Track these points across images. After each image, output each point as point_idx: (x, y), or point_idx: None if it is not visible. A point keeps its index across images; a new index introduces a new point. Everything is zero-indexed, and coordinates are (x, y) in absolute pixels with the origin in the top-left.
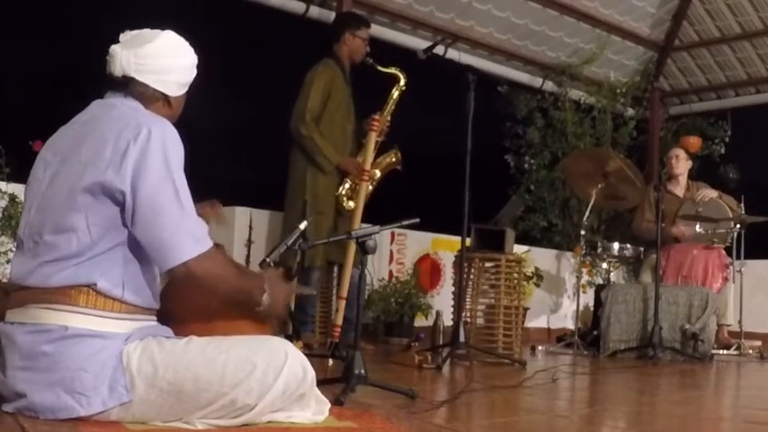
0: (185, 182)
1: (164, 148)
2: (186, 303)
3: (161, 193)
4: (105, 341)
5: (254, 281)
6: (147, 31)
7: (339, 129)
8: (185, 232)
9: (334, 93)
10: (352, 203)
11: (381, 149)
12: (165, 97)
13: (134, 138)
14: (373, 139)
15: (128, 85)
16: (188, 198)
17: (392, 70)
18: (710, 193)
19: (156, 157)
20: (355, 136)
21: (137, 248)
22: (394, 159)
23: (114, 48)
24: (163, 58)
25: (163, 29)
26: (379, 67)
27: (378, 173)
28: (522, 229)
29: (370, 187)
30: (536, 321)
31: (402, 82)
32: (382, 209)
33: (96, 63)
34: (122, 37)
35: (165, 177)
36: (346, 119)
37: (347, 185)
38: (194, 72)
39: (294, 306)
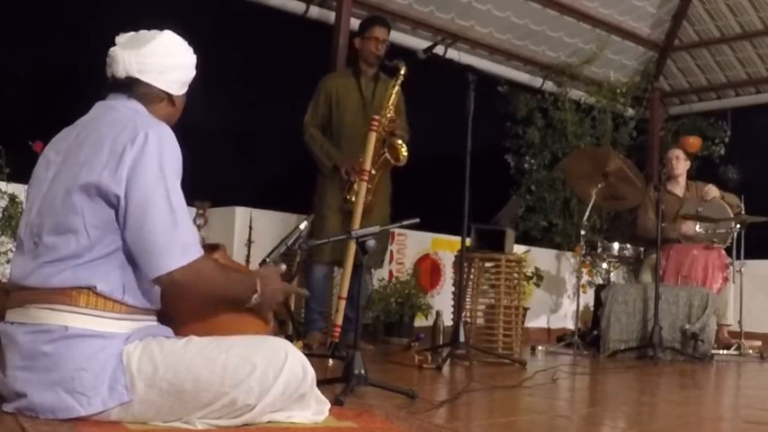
0: (179, 188)
1: (159, 152)
2: (185, 303)
3: (152, 198)
4: (105, 341)
5: (242, 283)
6: (145, 32)
7: (351, 131)
8: (173, 242)
9: (342, 98)
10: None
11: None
12: (169, 96)
13: (131, 141)
14: (373, 140)
15: (131, 86)
16: (180, 205)
17: (393, 63)
18: (714, 192)
19: (150, 161)
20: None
21: None
22: (384, 152)
23: (114, 50)
24: (164, 57)
25: (163, 29)
26: (386, 62)
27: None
28: (523, 229)
29: (370, 185)
30: (536, 321)
31: (402, 71)
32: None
33: (97, 63)
34: (119, 39)
35: (157, 183)
36: (360, 121)
37: (353, 185)
38: (194, 71)
39: (296, 305)
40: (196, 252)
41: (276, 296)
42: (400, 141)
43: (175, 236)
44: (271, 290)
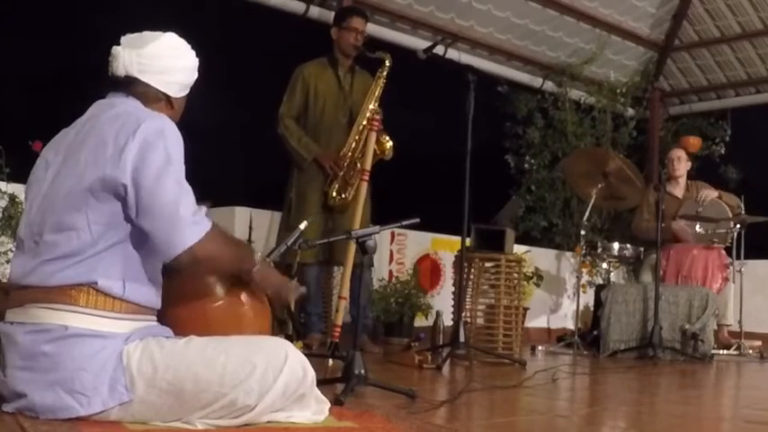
0: (184, 170)
1: (163, 139)
2: (183, 301)
3: (163, 182)
4: (105, 341)
5: (246, 253)
6: (149, 33)
7: (329, 123)
8: (187, 218)
9: (319, 88)
10: (339, 199)
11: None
12: (167, 98)
13: (132, 133)
14: (373, 140)
15: (130, 85)
16: (186, 183)
17: (378, 54)
18: (711, 194)
19: (156, 148)
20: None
21: (137, 245)
22: (375, 147)
23: (116, 48)
24: (165, 59)
25: (163, 29)
26: (368, 53)
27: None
28: (523, 229)
29: (341, 173)
30: (536, 321)
31: (387, 63)
32: (382, 209)
33: (96, 63)
34: (124, 39)
35: (165, 167)
36: (338, 112)
37: (334, 181)
38: (195, 74)
39: (295, 307)
40: (207, 223)
41: (274, 275)
42: (387, 138)
43: (188, 212)
44: (268, 272)
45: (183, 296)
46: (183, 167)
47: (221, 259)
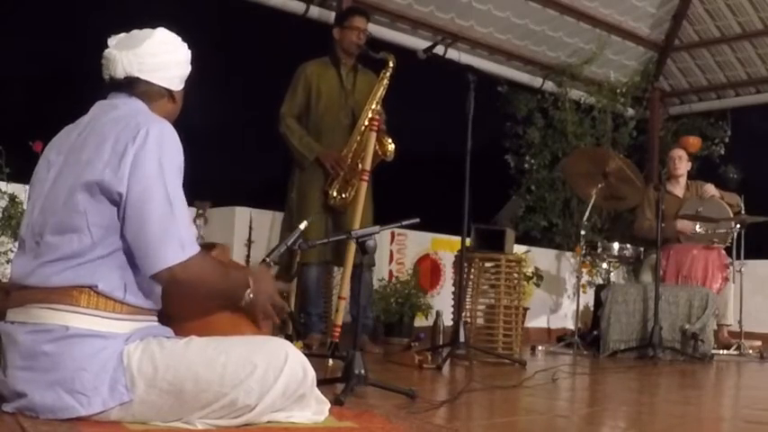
0: (179, 184)
1: (160, 148)
2: (185, 302)
3: (150, 194)
4: (106, 341)
5: (237, 279)
6: (139, 31)
7: (330, 123)
8: (172, 237)
9: (321, 87)
10: (340, 199)
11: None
12: (170, 93)
13: (132, 138)
14: (373, 139)
15: (131, 86)
16: (179, 201)
17: (381, 55)
18: (713, 191)
19: (150, 157)
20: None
21: None
22: (375, 146)
23: (110, 51)
24: (161, 55)
25: (161, 28)
26: (371, 53)
27: (349, 162)
28: (523, 229)
29: (355, 181)
30: (536, 321)
31: (391, 64)
32: (383, 209)
33: (96, 63)
34: (111, 41)
35: (156, 178)
36: (340, 112)
37: (335, 181)
38: (190, 66)
39: (295, 307)
40: (195, 248)
41: (270, 296)
42: (390, 139)
43: (174, 231)
44: (263, 288)
45: (183, 297)
46: (178, 179)
47: (202, 285)
